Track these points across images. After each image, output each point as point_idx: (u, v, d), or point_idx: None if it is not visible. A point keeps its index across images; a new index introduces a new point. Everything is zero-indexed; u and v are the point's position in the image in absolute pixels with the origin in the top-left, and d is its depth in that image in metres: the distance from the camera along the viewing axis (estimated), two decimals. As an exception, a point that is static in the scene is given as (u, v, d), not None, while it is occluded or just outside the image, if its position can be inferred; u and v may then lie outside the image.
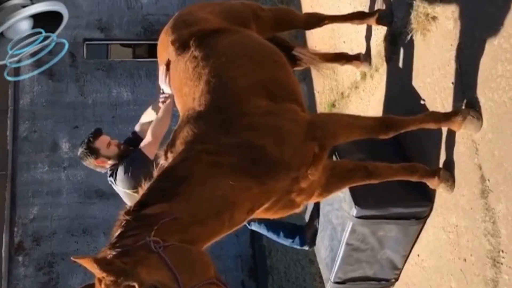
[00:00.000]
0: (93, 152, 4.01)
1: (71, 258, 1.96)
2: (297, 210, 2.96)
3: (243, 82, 2.83)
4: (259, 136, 2.62)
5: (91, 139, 4.03)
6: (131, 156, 3.97)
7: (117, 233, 2.18)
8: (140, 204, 2.31)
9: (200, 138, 2.61)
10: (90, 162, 4.07)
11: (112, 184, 4.11)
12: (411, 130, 3.16)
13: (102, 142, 4.04)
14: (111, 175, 4.05)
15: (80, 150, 4.07)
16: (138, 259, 1.99)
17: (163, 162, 2.62)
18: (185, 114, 2.78)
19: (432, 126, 3.20)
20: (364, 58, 4.39)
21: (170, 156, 2.62)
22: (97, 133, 4.09)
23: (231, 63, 2.92)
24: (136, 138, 4.14)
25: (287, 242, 4.82)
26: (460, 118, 3.11)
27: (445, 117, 3.17)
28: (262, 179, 2.54)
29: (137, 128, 4.21)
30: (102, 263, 1.92)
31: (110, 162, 4.05)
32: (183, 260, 2.01)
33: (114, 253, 2.04)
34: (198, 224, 2.30)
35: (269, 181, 2.57)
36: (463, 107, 3.21)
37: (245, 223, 2.66)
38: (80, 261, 1.93)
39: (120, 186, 4.00)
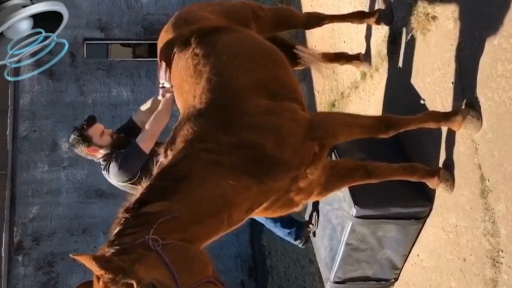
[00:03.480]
0: (85, 139, 3.94)
1: (70, 255, 1.97)
2: (296, 209, 2.97)
3: (243, 80, 2.84)
4: (259, 135, 2.63)
5: (84, 126, 3.96)
6: (126, 149, 3.90)
7: (115, 231, 2.19)
8: (139, 202, 2.32)
9: (200, 137, 2.62)
10: (81, 150, 4.00)
11: (106, 177, 4.07)
12: (411, 129, 3.16)
13: (95, 130, 3.96)
14: (104, 169, 3.99)
15: (72, 136, 4.00)
16: (136, 257, 2.00)
17: (162, 160, 2.62)
18: (186, 112, 2.79)
19: (432, 125, 3.20)
20: (364, 58, 4.39)
21: (170, 154, 2.62)
22: (91, 121, 4.00)
23: (232, 62, 2.93)
24: (132, 126, 4.07)
25: (283, 232, 4.80)
26: (460, 118, 3.12)
27: (445, 116, 3.18)
28: (261, 178, 2.54)
29: (134, 117, 4.14)
30: (101, 261, 1.93)
31: (102, 151, 3.98)
32: (182, 258, 2.02)
33: (112, 250, 2.05)
34: (197, 223, 2.30)
35: (268, 181, 2.57)
36: (463, 106, 3.21)
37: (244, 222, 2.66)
38: (79, 259, 1.95)
39: (114, 180, 3.96)
